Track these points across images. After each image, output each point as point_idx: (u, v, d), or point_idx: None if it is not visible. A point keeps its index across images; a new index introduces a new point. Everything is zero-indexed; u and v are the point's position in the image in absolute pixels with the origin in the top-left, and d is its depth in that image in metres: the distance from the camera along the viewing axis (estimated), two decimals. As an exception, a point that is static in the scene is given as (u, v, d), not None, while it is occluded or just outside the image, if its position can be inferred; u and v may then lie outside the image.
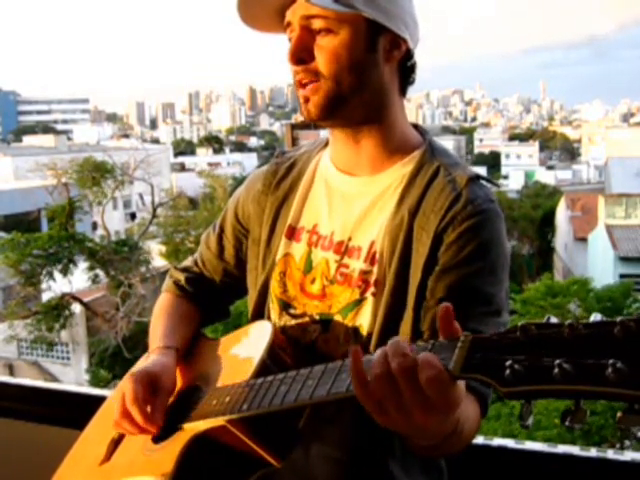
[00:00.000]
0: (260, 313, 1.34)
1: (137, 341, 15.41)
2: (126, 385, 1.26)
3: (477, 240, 1.16)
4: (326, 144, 1.36)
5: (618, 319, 0.73)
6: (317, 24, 1.16)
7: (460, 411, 0.93)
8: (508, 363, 0.77)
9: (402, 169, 1.24)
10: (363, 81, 1.19)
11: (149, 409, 1.24)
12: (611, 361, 0.70)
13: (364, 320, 1.21)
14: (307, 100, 1.19)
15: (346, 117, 1.22)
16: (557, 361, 0.73)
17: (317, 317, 1.26)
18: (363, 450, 1.22)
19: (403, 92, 1.27)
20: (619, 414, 0.72)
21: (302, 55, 1.18)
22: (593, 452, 1.62)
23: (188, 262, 1.55)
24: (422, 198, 1.20)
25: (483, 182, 1.22)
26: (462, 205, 1.16)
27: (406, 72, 1.25)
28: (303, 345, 1.26)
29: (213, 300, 1.51)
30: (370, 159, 1.26)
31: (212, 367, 1.31)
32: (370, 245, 1.23)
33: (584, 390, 0.73)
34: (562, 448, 1.64)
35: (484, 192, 1.20)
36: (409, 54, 1.23)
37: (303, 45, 1.18)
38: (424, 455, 1.18)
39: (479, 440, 1.66)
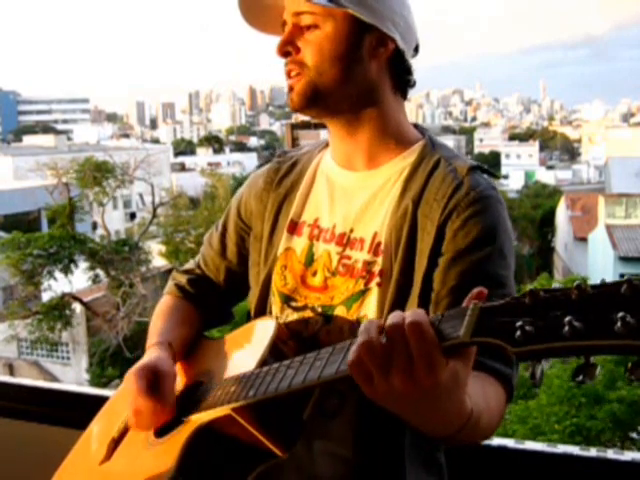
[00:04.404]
0: (262, 308, 1.35)
1: (138, 341, 15.41)
2: (130, 381, 1.27)
3: (483, 225, 1.17)
4: (327, 144, 1.38)
5: (625, 278, 0.73)
6: (306, 20, 1.23)
7: (473, 403, 0.94)
8: (518, 324, 0.77)
9: (402, 162, 1.27)
10: (346, 74, 1.23)
11: (159, 394, 1.25)
12: (620, 314, 0.71)
13: (369, 310, 1.21)
14: (291, 89, 1.26)
15: (329, 108, 1.26)
16: (567, 319, 0.74)
17: (319, 309, 1.27)
18: (367, 445, 1.22)
19: (402, 93, 1.29)
20: (630, 365, 0.72)
21: (287, 48, 1.24)
22: (593, 452, 1.62)
23: (190, 264, 1.56)
24: (424, 188, 1.22)
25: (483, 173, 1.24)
26: (465, 192, 1.18)
27: (399, 71, 1.27)
28: (305, 338, 1.27)
29: (215, 302, 1.52)
30: (367, 153, 1.28)
31: (215, 364, 1.31)
32: (373, 236, 1.24)
33: (594, 345, 0.73)
34: (562, 448, 1.64)
35: (485, 180, 1.23)
36: (399, 54, 1.25)
37: (290, 38, 1.24)
38: (444, 444, 1.17)
39: (479, 440, 1.66)
